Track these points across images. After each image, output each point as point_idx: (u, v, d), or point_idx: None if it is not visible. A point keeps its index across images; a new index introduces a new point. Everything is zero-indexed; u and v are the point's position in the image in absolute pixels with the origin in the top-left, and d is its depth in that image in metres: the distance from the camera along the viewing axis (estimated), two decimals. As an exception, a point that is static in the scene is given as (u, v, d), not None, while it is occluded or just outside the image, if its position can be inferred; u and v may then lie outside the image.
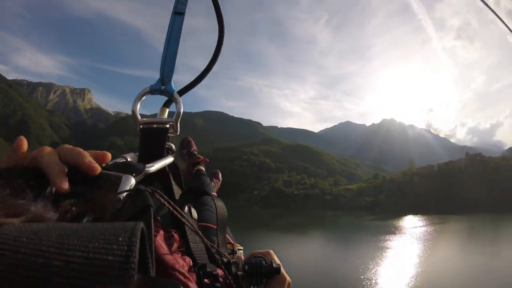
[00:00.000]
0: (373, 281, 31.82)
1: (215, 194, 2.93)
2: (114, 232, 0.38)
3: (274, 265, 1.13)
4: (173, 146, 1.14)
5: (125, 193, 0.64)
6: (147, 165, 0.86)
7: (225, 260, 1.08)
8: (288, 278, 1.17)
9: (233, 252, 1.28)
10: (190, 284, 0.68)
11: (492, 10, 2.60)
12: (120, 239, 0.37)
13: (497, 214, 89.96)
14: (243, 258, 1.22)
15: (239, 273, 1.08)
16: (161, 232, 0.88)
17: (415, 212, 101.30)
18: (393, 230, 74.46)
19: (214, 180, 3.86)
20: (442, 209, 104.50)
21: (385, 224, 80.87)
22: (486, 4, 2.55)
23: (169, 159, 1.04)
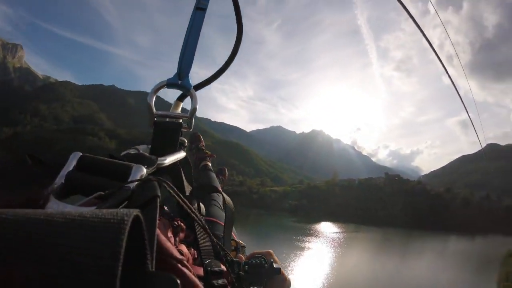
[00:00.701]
0: (289, 276, 33.62)
1: (219, 189, 2.73)
2: (102, 221, 0.36)
3: (274, 266, 1.13)
4: (186, 141, 1.13)
5: (135, 183, 0.63)
6: (159, 158, 0.86)
7: (229, 258, 1.05)
8: (288, 279, 1.18)
9: (237, 249, 1.26)
10: (186, 272, 0.66)
11: (435, 52, 2.82)
12: (106, 230, 0.35)
13: (408, 229, 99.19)
14: (244, 258, 1.21)
15: (240, 273, 1.06)
16: (166, 221, 0.86)
17: (334, 219, 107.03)
18: (312, 233, 78.57)
19: (220, 176, 3.82)
20: (359, 219, 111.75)
21: (305, 227, 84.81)
22: (431, 45, 2.76)
23: (182, 154, 1.03)
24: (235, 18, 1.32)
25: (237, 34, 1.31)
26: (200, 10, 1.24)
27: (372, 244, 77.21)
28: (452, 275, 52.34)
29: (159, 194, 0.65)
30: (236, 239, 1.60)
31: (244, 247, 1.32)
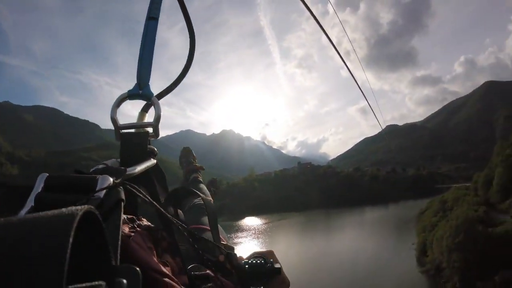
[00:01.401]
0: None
1: (211, 199, 3.07)
2: (55, 215, 0.39)
3: (275, 266, 1.14)
4: (155, 149, 1.11)
5: (104, 192, 0.65)
6: (128, 169, 0.86)
7: (214, 260, 1.06)
8: (288, 279, 1.18)
9: (225, 252, 1.22)
10: (169, 283, 0.66)
11: (335, 48, 3.03)
12: (56, 223, 0.37)
13: (327, 209, 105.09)
14: (243, 258, 1.22)
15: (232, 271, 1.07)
16: (145, 232, 0.84)
17: (257, 213, 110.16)
18: (240, 229, 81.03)
19: (212, 188, 3.83)
20: (281, 208, 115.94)
21: (232, 225, 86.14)
22: (331, 42, 2.93)
23: (151, 162, 1.03)
24: (186, 26, 1.40)
25: (190, 41, 1.38)
26: (152, 19, 1.28)
27: (297, 228, 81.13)
28: (375, 241, 56.68)
29: (123, 198, 0.66)
30: (226, 242, 1.55)
31: (233, 249, 1.24)
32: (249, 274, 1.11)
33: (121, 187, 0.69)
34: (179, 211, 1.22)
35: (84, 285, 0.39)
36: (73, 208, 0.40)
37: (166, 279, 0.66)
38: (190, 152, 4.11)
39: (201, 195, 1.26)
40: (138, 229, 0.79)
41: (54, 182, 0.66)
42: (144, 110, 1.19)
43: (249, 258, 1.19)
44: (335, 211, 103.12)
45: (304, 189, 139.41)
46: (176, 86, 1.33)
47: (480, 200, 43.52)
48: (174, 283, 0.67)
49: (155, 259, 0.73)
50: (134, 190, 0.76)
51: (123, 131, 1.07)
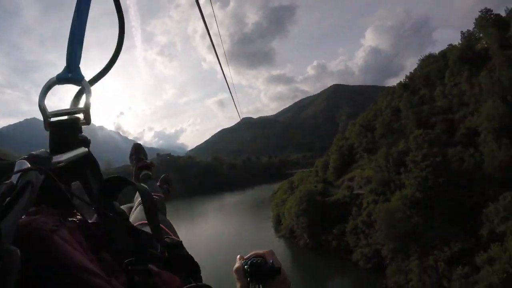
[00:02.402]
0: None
1: (161, 195, 3.14)
2: None
3: (275, 265, 1.13)
4: (88, 137, 1.04)
5: (17, 175, 0.64)
6: (55, 156, 0.83)
7: (156, 254, 1.03)
8: (288, 279, 1.19)
9: (168, 245, 1.14)
10: (96, 281, 0.62)
11: (211, 39, 3.10)
12: None
13: (189, 198, 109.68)
14: (243, 257, 1.23)
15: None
16: (75, 225, 0.77)
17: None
18: None
19: (165, 186, 3.88)
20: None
21: None
22: (209, 34, 3.01)
23: (81, 150, 0.97)
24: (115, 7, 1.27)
25: (119, 23, 1.27)
26: None
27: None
28: (236, 220, 65.28)
29: (33, 181, 0.65)
30: (172, 236, 1.71)
31: (179, 243, 1.27)
32: (249, 274, 1.12)
33: (39, 173, 0.68)
34: (117, 204, 1.07)
35: None
36: None
37: (94, 277, 0.62)
38: (140, 149, 4.01)
39: (136, 184, 1.12)
40: (66, 223, 0.72)
41: None
42: (76, 97, 1.13)
43: (249, 258, 1.20)
44: (197, 199, 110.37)
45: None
46: (109, 70, 1.24)
47: (319, 179, 56.12)
48: (102, 282, 0.63)
49: (85, 255, 0.67)
50: (53, 177, 0.71)
51: (52, 119, 1.00)
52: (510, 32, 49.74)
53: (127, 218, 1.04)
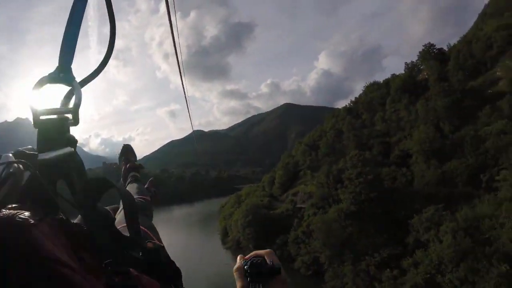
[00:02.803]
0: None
1: (149, 198, 3.07)
2: None
3: (275, 265, 1.14)
4: (75, 137, 1.04)
5: (1, 167, 0.68)
6: (40, 154, 0.85)
7: (136, 257, 1.01)
8: (288, 279, 1.18)
9: (149, 249, 1.12)
10: (70, 276, 0.60)
11: (176, 51, 3.19)
12: None
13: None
14: (243, 257, 1.23)
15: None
16: (55, 223, 0.74)
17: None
18: None
19: (153, 189, 3.75)
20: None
21: None
22: (174, 45, 3.10)
23: (67, 149, 0.97)
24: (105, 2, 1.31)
25: (110, 19, 1.30)
26: None
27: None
28: (184, 233, 66.83)
29: (16, 173, 0.68)
30: (155, 240, 1.72)
31: (161, 247, 1.26)
32: (249, 274, 1.12)
33: (23, 168, 0.70)
34: (99, 205, 1.02)
35: None
36: None
37: (70, 271, 0.61)
38: (130, 150, 4.02)
39: (118, 186, 1.07)
40: (47, 219, 0.71)
41: None
42: (67, 97, 1.14)
43: (249, 258, 1.19)
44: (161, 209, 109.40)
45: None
46: (100, 72, 1.26)
47: (266, 194, 59.79)
48: (78, 276, 0.62)
49: (64, 251, 0.66)
50: (36, 174, 0.73)
51: (41, 117, 1.00)
52: (448, 66, 56.75)
53: (112, 219, 1.03)
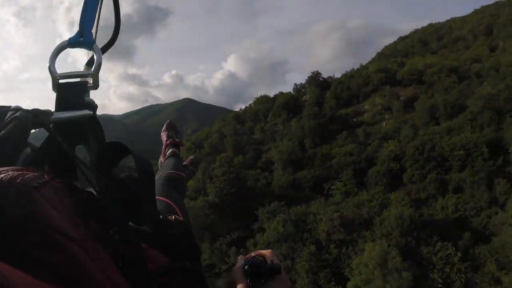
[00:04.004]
0: None
1: (184, 175, 2.99)
2: None
3: (275, 265, 1.15)
4: (94, 102, 1.03)
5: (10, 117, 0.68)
6: (56, 112, 0.87)
7: (142, 228, 0.93)
8: (288, 279, 1.21)
9: (165, 222, 1.04)
10: (71, 248, 0.59)
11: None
12: None
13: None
14: (243, 257, 1.23)
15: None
16: (61, 187, 0.71)
17: None
18: None
19: (191, 167, 3.70)
20: None
21: None
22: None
23: (84, 111, 0.96)
24: None
25: None
26: None
27: None
28: None
29: (19, 117, 0.70)
30: (179, 215, 1.69)
31: (183, 222, 1.22)
32: (249, 274, 1.13)
33: (31, 116, 0.72)
34: (116, 171, 0.98)
35: None
36: None
37: (65, 239, 0.59)
38: (172, 126, 3.89)
39: (134, 152, 1.00)
40: (53, 183, 0.68)
41: None
42: (88, 64, 1.15)
43: (249, 257, 1.20)
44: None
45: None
46: (116, 38, 1.28)
47: None
48: (73, 245, 0.59)
49: (68, 218, 0.64)
50: (50, 129, 0.72)
51: (60, 81, 1.03)
52: (327, 93, 70.10)
53: (127, 187, 0.94)
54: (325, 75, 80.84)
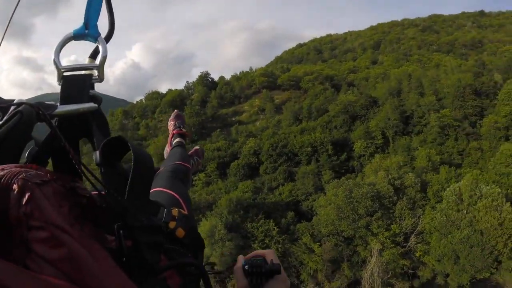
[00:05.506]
0: None
1: (189, 165, 2.99)
2: None
3: (275, 265, 1.17)
4: (99, 95, 1.06)
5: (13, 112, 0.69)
6: (60, 105, 0.87)
7: (137, 224, 0.86)
8: (288, 279, 1.22)
9: (172, 217, 1.09)
10: (67, 240, 0.60)
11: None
12: None
13: None
14: (243, 257, 1.27)
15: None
16: (62, 189, 0.70)
17: None
18: None
19: (195, 157, 3.69)
20: None
21: None
22: None
23: (89, 104, 0.97)
24: None
25: None
26: None
27: None
28: None
29: (22, 111, 0.70)
30: (184, 208, 1.69)
31: (186, 216, 1.21)
32: (249, 274, 1.15)
33: (35, 110, 0.71)
34: (121, 165, 1.01)
35: None
36: None
37: (63, 234, 0.60)
38: (179, 116, 3.94)
39: (132, 145, 0.96)
40: (54, 184, 0.68)
41: None
42: (92, 56, 1.16)
43: (249, 257, 1.23)
44: None
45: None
46: (113, 31, 1.25)
47: None
48: (70, 239, 0.61)
49: (63, 217, 0.64)
50: (50, 122, 0.71)
51: (65, 73, 1.03)
52: (212, 94, 77.18)
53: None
54: (227, 74, 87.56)
